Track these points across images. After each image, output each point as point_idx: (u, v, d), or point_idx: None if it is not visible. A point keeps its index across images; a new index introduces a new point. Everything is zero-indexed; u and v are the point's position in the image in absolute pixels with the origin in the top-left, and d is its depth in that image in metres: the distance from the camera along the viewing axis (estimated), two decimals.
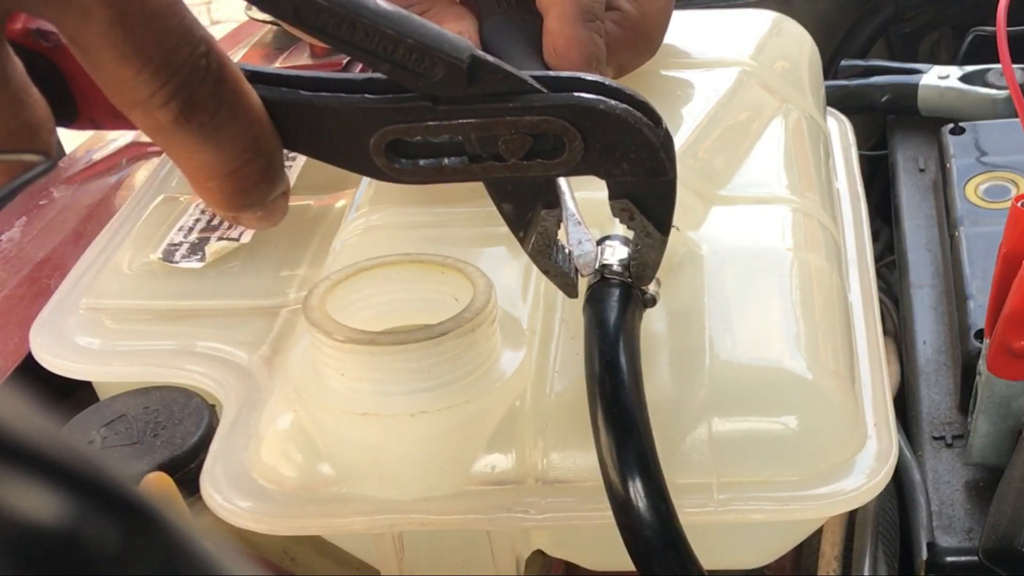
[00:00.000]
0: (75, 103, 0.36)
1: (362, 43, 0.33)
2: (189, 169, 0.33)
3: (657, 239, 0.39)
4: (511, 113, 0.35)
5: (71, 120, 0.37)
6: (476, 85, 0.34)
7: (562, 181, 0.42)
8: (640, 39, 0.50)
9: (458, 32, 0.43)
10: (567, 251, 0.40)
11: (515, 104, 0.35)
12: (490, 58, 0.35)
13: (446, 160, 0.35)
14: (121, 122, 0.33)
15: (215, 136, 0.32)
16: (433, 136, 0.35)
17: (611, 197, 0.38)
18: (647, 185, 0.37)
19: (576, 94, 0.35)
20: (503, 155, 0.36)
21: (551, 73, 0.36)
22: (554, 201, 0.38)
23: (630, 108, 0.35)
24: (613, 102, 0.35)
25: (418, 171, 0.36)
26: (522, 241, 0.39)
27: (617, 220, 0.44)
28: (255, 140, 0.33)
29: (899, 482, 0.52)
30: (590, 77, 0.36)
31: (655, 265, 0.40)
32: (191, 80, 0.30)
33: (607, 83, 0.36)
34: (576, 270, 0.41)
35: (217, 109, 0.31)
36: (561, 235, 0.40)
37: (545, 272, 0.40)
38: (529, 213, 0.38)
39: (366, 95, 0.35)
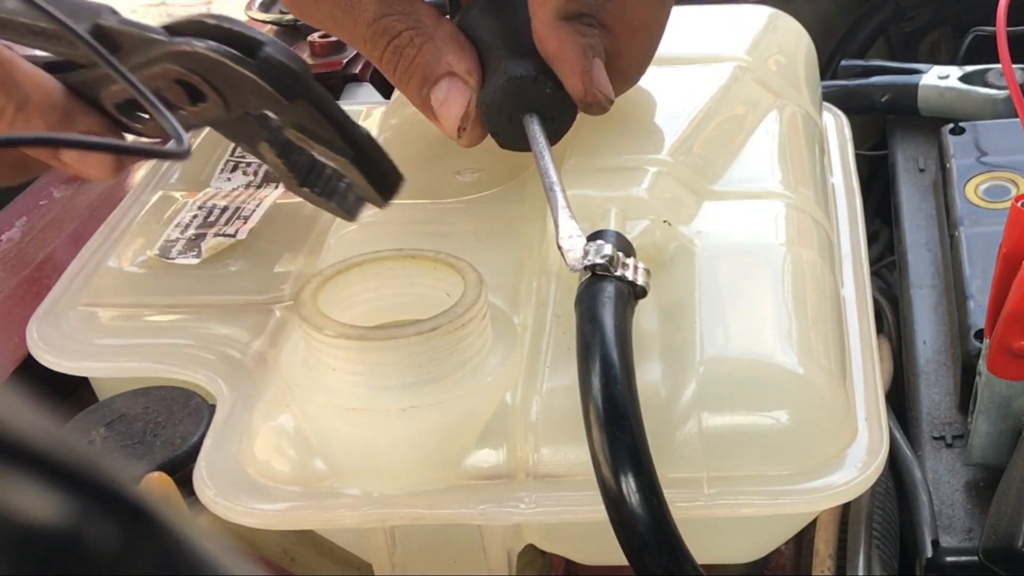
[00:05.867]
0: None
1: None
2: None
3: (341, 161, 0.40)
4: (137, 68, 0.37)
5: None
6: (118, 49, 0.37)
7: (552, 173, 0.42)
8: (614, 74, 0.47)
9: (462, 70, 0.45)
10: (331, 178, 0.41)
11: (137, 59, 0.37)
12: (113, 22, 0.37)
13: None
14: None
15: None
16: (127, 95, 0.38)
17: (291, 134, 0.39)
18: (294, 112, 0.38)
19: (181, 39, 0.37)
20: (177, 104, 0.38)
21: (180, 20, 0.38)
22: (271, 138, 0.40)
23: (216, 45, 0.36)
24: (200, 43, 0.36)
25: (150, 122, 0.39)
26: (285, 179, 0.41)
27: (609, 216, 0.44)
28: None
29: (900, 481, 0.52)
30: (210, 20, 0.37)
31: (362, 186, 0.41)
32: None
33: (218, 23, 0.37)
34: (355, 197, 0.42)
35: None
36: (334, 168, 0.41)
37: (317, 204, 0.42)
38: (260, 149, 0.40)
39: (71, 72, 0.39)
